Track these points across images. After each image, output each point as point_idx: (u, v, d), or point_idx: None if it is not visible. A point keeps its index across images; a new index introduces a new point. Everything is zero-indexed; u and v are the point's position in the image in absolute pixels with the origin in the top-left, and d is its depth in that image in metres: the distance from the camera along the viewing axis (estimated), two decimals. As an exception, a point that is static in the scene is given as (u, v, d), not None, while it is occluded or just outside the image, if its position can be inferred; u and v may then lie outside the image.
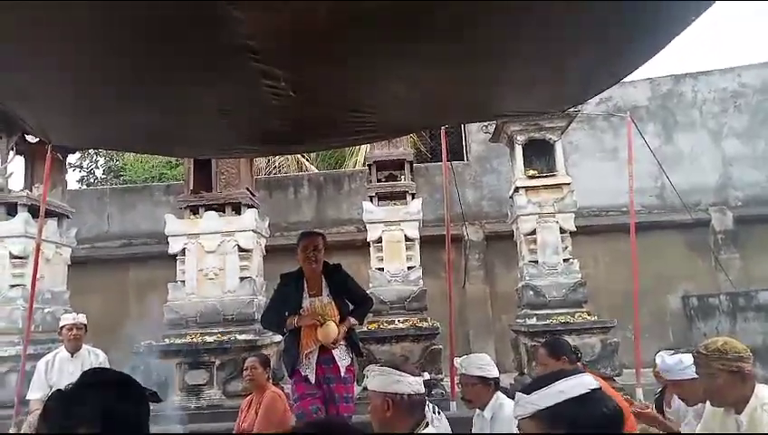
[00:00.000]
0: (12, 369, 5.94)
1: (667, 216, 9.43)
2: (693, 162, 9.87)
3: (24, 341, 5.83)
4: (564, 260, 6.62)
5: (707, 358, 2.27)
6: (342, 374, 3.79)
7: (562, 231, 6.67)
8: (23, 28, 1.78)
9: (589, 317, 6.28)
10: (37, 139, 6.11)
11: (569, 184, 6.80)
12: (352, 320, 3.89)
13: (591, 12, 1.79)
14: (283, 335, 4.00)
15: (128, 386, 1.20)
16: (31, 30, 1.79)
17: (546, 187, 6.78)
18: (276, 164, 12.62)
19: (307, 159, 12.76)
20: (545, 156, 6.95)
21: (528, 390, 1.30)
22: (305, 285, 3.85)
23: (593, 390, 1.27)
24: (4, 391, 5.89)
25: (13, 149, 6.68)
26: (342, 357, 3.82)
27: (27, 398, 5.01)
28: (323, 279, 3.89)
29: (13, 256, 6.41)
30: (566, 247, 6.69)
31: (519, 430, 1.33)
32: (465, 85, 2.56)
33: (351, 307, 3.95)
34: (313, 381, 3.72)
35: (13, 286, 6.40)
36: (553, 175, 6.81)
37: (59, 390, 1.21)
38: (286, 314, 3.82)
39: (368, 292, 6.58)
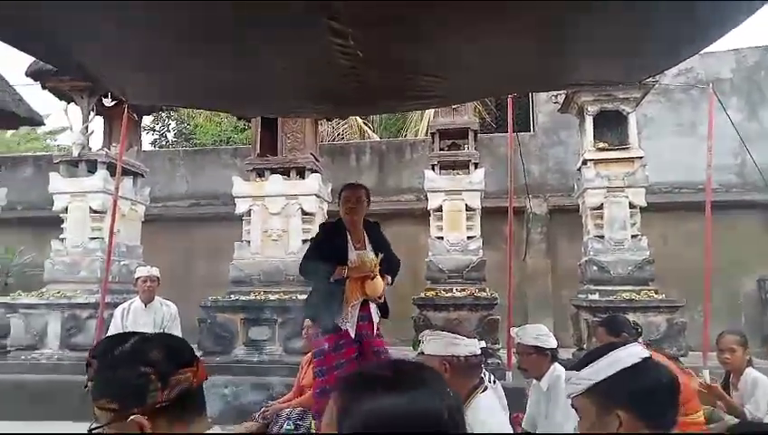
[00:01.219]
0: (91, 315, 6.37)
1: (747, 195, 8.88)
2: (778, 139, 9.21)
3: (102, 290, 6.24)
4: (632, 236, 6.40)
5: None
6: (375, 330, 3.80)
7: (632, 206, 6.42)
8: None
9: (655, 295, 6.07)
10: (115, 101, 6.43)
11: (641, 158, 6.51)
12: (388, 278, 3.83)
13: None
14: (325, 284, 3.75)
15: (178, 359, 1.19)
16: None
17: (616, 160, 6.52)
18: (340, 131, 12.71)
19: (369, 127, 12.77)
20: (617, 128, 6.66)
21: (579, 366, 1.27)
22: (349, 237, 3.80)
23: (645, 358, 1.24)
24: (85, 335, 6.34)
25: (93, 110, 7.03)
26: (375, 315, 3.81)
27: (105, 342, 5.37)
28: (365, 233, 3.85)
29: (92, 211, 6.81)
30: (634, 223, 6.45)
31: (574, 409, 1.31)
32: (539, 53, 2.47)
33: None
34: (353, 335, 3.68)
35: (92, 239, 6.82)
36: (625, 148, 6.53)
37: (103, 345, 1.23)
38: (334, 264, 3.71)
39: (427, 260, 6.67)
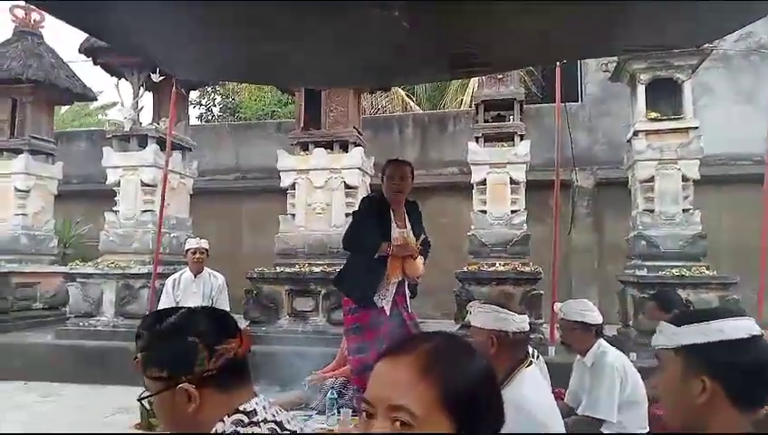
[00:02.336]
0: (144, 285, 6.63)
1: (810, 168, 8.43)
2: None
3: (153, 261, 6.47)
4: (684, 210, 6.17)
5: None
6: (408, 307, 3.81)
7: (684, 179, 6.18)
8: None
9: (707, 272, 5.87)
10: (163, 76, 6.55)
11: (696, 128, 6.24)
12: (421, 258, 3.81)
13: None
14: (362, 261, 3.71)
15: (223, 331, 1.24)
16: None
17: (670, 131, 6.26)
18: (383, 104, 12.64)
19: (412, 99, 12.65)
20: (671, 97, 6.38)
21: (679, 321, 1.22)
22: (392, 215, 3.74)
23: (754, 336, 1.14)
24: (138, 304, 6.60)
25: (143, 85, 7.20)
26: (408, 293, 3.83)
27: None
28: (405, 212, 3.81)
29: (144, 184, 7.03)
30: (687, 197, 6.21)
31: (658, 360, 1.27)
32: (588, 16, 2.38)
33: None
34: (388, 312, 3.67)
35: (144, 211, 7.05)
36: (679, 118, 6.26)
37: (151, 318, 1.28)
38: (379, 239, 3.67)
39: (469, 234, 6.63)
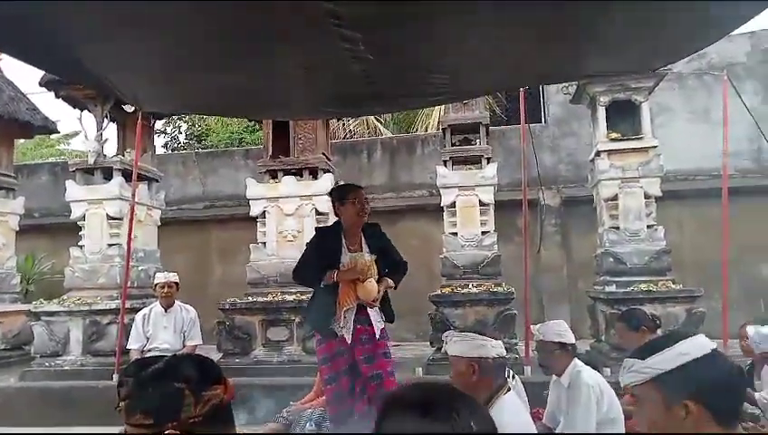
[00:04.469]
0: (112, 321, 6.44)
1: (764, 180, 8.78)
2: (796, 123, 9.08)
3: (121, 296, 6.32)
4: (648, 226, 6.35)
5: None
6: (377, 334, 3.62)
7: (647, 196, 6.36)
8: None
9: (673, 286, 6.02)
10: (133, 108, 6.49)
11: (655, 147, 6.45)
12: (390, 281, 3.68)
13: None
14: (315, 289, 3.76)
15: (209, 377, 1.23)
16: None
17: (630, 150, 6.46)
18: (351, 128, 12.73)
19: (381, 123, 12.78)
20: (630, 118, 6.60)
21: (642, 354, 1.26)
22: (344, 240, 3.67)
23: (714, 350, 1.23)
24: (107, 341, 6.42)
25: (107, 117, 7.09)
26: (377, 319, 3.64)
27: (127, 347, 5.45)
28: (362, 235, 3.71)
29: (110, 218, 6.88)
30: (650, 213, 6.39)
31: (626, 394, 1.32)
32: (549, 46, 2.46)
33: (386, 270, 3.73)
34: (349, 341, 3.55)
35: (110, 245, 6.88)
36: (639, 138, 6.47)
37: (135, 365, 1.27)
38: (325, 268, 3.60)
39: (441, 256, 6.67)
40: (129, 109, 6.44)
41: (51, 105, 14.22)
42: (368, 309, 3.59)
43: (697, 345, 1.22)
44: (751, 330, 3.65)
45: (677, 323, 5.79)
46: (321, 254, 3.66)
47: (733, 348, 4.93)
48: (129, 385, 1.20)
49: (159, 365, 1.21)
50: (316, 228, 3.94)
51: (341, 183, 4.08)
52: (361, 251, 3.65)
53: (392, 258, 3.78)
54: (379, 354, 3.60)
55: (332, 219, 6.84)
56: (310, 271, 3.66)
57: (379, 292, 3.54)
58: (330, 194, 3.93)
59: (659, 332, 3.70)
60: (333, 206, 3.78)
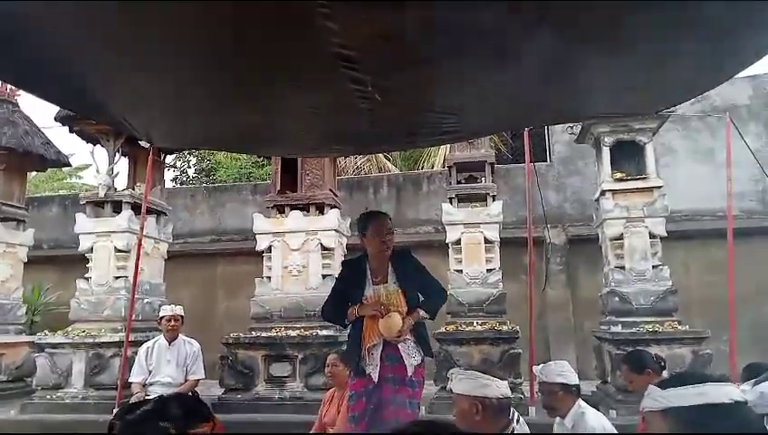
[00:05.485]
0: (115, 354, 6.42)
1: (769, 221, 8.78)
2: (800, 165, 9.12)
3: (126, 328, 6.32)
4: (653, 266, 6.34)
5: None
6: (409, 375, 3.27)
7: (652, 236, 6.38)
8: (128, 33, 1.92)
9: (679, 327, 5.97)
10: (148, 144, 6.60)
11: (660, 187, 6.49)
12: (421, 312, 3.37)
13: (699, 10, 1.71)
14: (344, 328, 3.60)
15: (195, 416, 1.27)
16: (137, 36, 1.95)
17: (635, 190, 6.51)
18: (358, 165, 12.86)
19: (388, 160, 12.91)
20: (634, 158, 6.67)
21: (665, 385, 1.28)
22: (369, 272, 3.42)
23: (738, 402, 1.21)
24: (109, 374, 6.39)
25: (119, 151, 7.23)
26: (411, 355, 3.31)
27: (129, 381, 5.43)
28: (390, 265, 3.42)
29: (117, 250, 6.94)
30: (656, 253, 6.39)
31: (644, 422, 1.32)
32: (551, 89, 2.53)
33: (422, 299, 3.45)
34: (376, 380, 3.27)
35: (117, 278, 6.92)
36: (643, 178, 6.52)
37: (124, 408, 1.31)
38: (349, 304, 3.40)
39: (447, 293, 6.64)
40: (143, 144, 6.56)
41: (64, 139, 14.49)
42: (399, 344, 3.30)
43: (721, 392, 1.21)
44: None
45: (684, 366, 5.72)
46: (346, 289, 3.47)
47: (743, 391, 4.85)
48: (117, 428, 1.25)
49: (146, 407, 1.26)
50: (342, 261, 3.82)
51: (370, 210, 3.84)
52: (387, 283, 3.39)
53: (427, 285, 3.49)
54: (403, 402, 3.25)
55: (338, 255, 6.94)
56: (334, 308, 3.48)
57: (404, 326, 3.24)
58: (357, 223, 3.71)
59: (665, 374, 3.66)
60: (359, 236, 3.58)
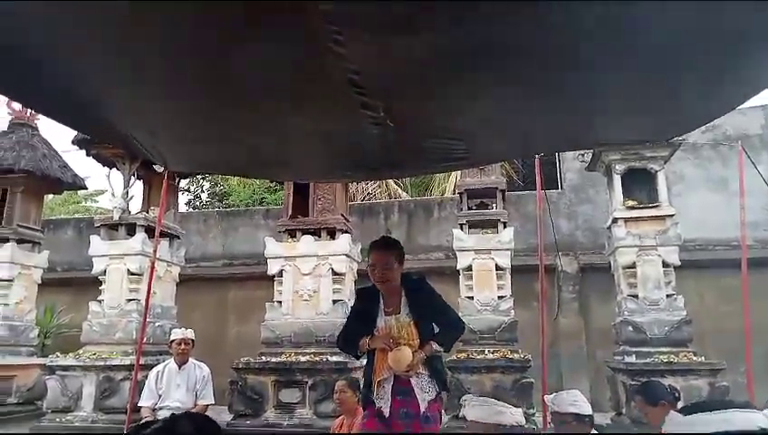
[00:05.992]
0: (125, 377, 6.42)
1: (784, 251, 8.67)
2: (814, 194, 9.04)
3: (137, 351, 6.33)
4: (667, 296, 6.26)
5: None
6: (422, 411, 3.05)
7: (665, 265, 6.32)
8: (147, 62, 1.98)
9: (695, 358, 5.87)
10: (162, 168, 6.72)
11: (672, 216, 6.46)
12: (435, 345, 3.14)
13: (707, 38, 1.73)
14: (357, 359, 3.51)
15: (204, 430, 1.28)
16: (155, 64, 2.01)
17: (647, 218, 6.48)
18: (369, 190, 12.93)
19: (399, 186, 12.97)
20: (646, 186, 6.65)
21: (688, 410, 1.26)
22: (381, 302, 3.25)
23: (764, 430, 1.19)
24: (119, 397, 6.38)
25: (134, 175, 7.34)
26: (425, 389, 3.10)
27: (138, 405, 5.41)
28: (402, 294, 3.24)
29: (130, 273, 6.99)
30: (669, 282, 6.32)
31: None
32: (564, 115, 2.56)
33: (437, 330, 3.24)
34: (387, 416, 3.09)
35: (129, 300, 6.96)
36: (656, 206, 6.50)
37: (137, 426, 1.33)
38: (362, 334, 3.24)
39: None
40: (158, 168, 6.67)
41: (81, 163, 14.78)
42: (412, 379, 3.11)
43: (747, 419, 1.20)
44: None
45: (701, 398, 5.60)
46: (359, 319, 3.32)
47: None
48: None
49: (159, 425, 1.28)
50: (357, 290, 3.58)
51: (381, 236, 3.67)
52: (399, 313, 3.21)
53: (442, 316, 3.27)
54: None
55: (348, 280, 6.94)
56: (347, 338, 3.32)
57: (413, 360, 3.03)
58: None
59: (680, 405, 3.60)
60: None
